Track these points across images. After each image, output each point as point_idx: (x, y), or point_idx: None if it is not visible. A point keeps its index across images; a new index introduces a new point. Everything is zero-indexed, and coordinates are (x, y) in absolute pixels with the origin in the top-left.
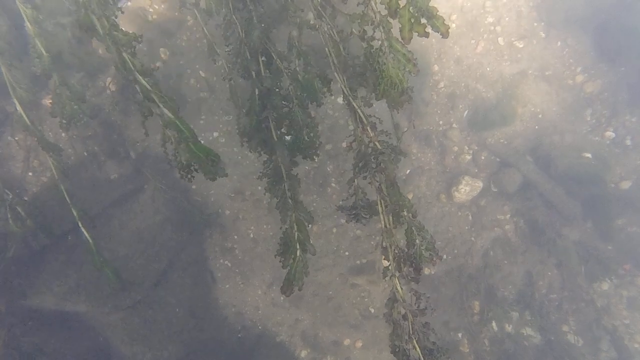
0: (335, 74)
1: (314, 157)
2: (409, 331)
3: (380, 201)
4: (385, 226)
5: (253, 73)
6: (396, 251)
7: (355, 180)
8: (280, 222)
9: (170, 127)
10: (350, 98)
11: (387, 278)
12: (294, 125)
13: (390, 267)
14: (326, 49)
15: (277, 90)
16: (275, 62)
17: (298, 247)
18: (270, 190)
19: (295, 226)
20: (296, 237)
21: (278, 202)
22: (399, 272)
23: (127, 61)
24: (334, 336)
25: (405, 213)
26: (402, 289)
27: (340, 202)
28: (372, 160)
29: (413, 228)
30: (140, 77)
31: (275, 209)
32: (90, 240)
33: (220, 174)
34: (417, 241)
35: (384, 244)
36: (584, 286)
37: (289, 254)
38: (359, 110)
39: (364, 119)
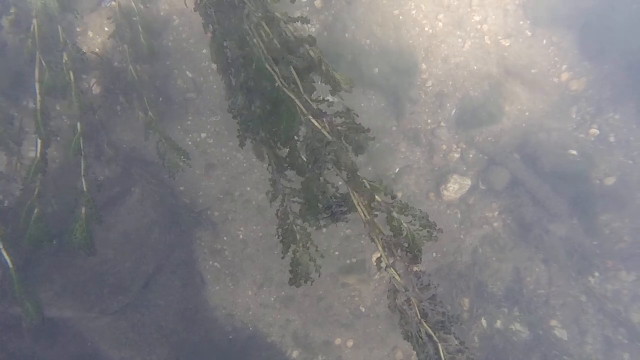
0: (266, 65)
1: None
2: (417, 315)
3: (353, 193)
4: (365, 217)
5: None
6: (384, 239)
7: (320, 177)
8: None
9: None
10: (285, 88)
11: (382, 270)
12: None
13: (382, 257)
14: (247, 37)
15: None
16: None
17: (300, 245)
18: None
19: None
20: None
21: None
22: (393, 257)
23: None
24: (325, 336)
25: (378, 198)
26: (400, 277)
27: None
28: (324, 153)
29: (394, 214)
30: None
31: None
32: (11, 266)
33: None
34: (404, 225)
35: (370, 236)
36: (570, 281)
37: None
38: (296, 101)
39: (302, 108)
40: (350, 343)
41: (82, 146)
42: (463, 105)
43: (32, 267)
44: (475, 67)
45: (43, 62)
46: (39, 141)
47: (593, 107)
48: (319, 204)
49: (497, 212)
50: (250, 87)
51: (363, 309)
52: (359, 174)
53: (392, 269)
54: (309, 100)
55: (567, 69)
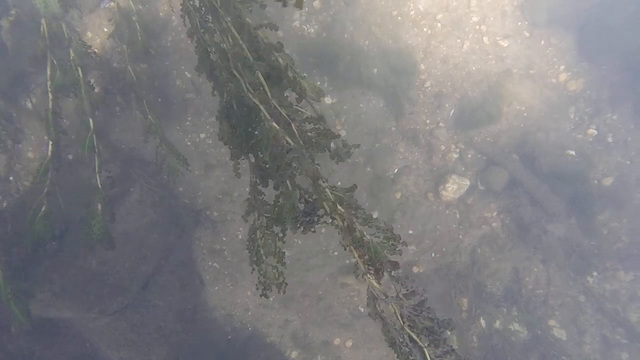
0: (234, 71)
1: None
2: (400, 321)
3: (322, 202)
4: (337, 224)
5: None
6: (360, 248)
7: (288, 183)
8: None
9: None
10: (250, 94)
11: (358, 277)
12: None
13: (358, 264)
14: (223, 45)
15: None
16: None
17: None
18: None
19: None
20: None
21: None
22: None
23: None
24: (324, 336)
25: (341, 208)
26: (379, 284)
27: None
28: (286, 160)
29: (356, 225)
30: None
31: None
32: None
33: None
34: (367, 237)
35: (343, 243)
36: (569, 281)
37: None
38: (261, 107)
39: (266, 115)
40: (349, 343)
41: (95, 143)
42: (462, 106)
43: (31, 267)
44: (473, 68)
45: (54, 60)
46: (50, 141)
47: (591, 107)
48: (284, 216)
49: (495, 213)
50: (231, 113)
51: (362, 309)
52: (320, 182)
53: (368, 276)
54: (277, 107)
55: (565, 69)
